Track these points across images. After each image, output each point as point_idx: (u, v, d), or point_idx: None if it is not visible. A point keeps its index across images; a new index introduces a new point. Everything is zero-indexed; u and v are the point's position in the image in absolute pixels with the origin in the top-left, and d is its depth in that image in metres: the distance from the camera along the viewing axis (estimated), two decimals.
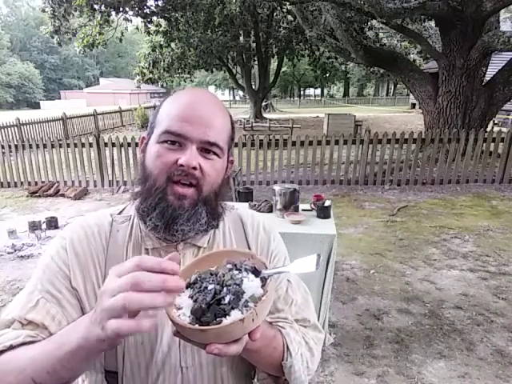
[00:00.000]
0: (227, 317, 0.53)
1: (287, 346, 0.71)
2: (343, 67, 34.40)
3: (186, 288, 0.60)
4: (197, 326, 0.53)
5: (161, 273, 0.48)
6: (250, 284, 0.56)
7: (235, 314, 0.53)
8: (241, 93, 44.23)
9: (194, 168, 0.67)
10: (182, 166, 0.66)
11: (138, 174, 0.74)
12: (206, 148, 0.69)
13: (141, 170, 0.73)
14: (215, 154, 0.70)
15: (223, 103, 0.76)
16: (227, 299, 0.54)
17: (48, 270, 0.70)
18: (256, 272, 0.59)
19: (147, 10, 11.86)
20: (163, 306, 0.47)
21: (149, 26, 12.93)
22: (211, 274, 0.59)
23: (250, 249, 0.81)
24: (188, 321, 0.54)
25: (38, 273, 0.72)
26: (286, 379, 0.73)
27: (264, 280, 0.58)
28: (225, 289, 0.55)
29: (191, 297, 0.57)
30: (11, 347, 0.59)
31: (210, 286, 0.56)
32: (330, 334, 2.69)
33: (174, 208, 0.68)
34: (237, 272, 0.58)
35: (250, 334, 0.55)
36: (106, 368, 0.72)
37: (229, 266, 0.60)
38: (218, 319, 0.53)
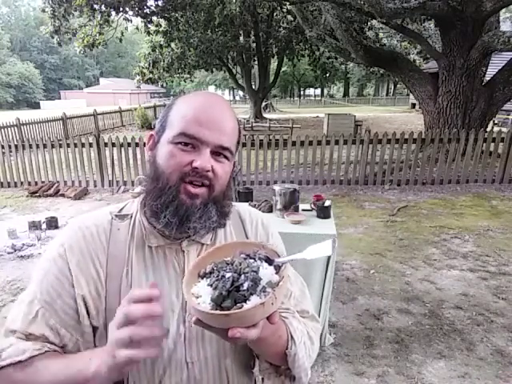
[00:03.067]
0: (247, 302, 0.55)
1: (291, 335, 0.73)
2: (343, 67, 34.48)
3: (202, 278, 0.62)
4: (218, 311, 0.55)
5: (148, 299, 0.58)
6: (266, 271, 0.59)
7: (254, 300, 0.56)
8: (241, 93, 44.25)
9: (208, 171, 0.69)
10: (196, 168, 0.69)
11: (148, 172, 0.75)
12: (218, 151, 0.71)
13: (151, 169, 0.74)
14: (225, 157, 0.73)
15: (232, 107, 0.79)
16: (246, 285, 0.56)
17: (46, 279, 0.72)
18: (269, 260, 0.62)
19: (147, 10, 11.86)
20: (160, 335, 0.58)
21: (149, 25, 12.94)
22: (227, 264, 0.61)
23: None
24: (209, 307, 0.56)
25: (37, 278, 0.73)
26: (289, 368, 0.75)
27: (277, 268, 0.61)
28: (242, 276, 0.58)
29: (210, 285, 0.59)
30: (20, 362, 0.66)
31: (228, 274, 0.58)
32: (330, 334, 2.69)
33: (186, 206, 0.70)
34: (252, 261, 0.61)
35: (269, 317, 0.58)
36: None
37: (243, 256, 0.63)
38: (238, 304, 0.55)
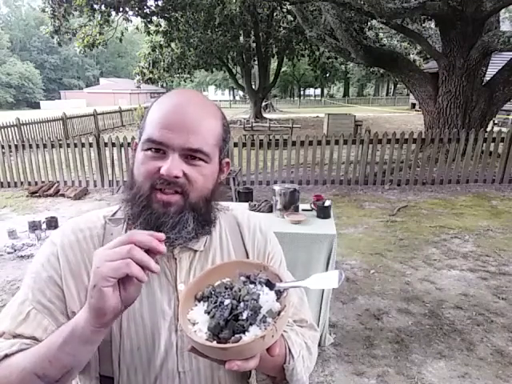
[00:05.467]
0: (246, 333, 0.52)
1: (289, 349, 0.71)
2: (343, 67, 34.44)
3: (199, 301, 0.59)
4: (215, 343, 0.52)
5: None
6: (266, 298, 0.56)
7: (254, 330, 0.52)
8: (241, 93, 44.23)
9: (176, 177, 0.65)
10: (162, 175, 0.65)
11: (127, 179, 0.73)
12: (191, 154, 0.67)
13: (128, 176, 0.72)
14: (201, 159, 0.68)
15: (214, 103, 0.74)
16: (245, 315, 0.53)
17: (39, 278, 0.70)
18: (270, 284, 0.58)
19: (147, 10, 11.86)
20: (155, 270, 0.55)
21: (149, 26, 12.93)
22: (226, 288, 0.58)
23: (246, 251, 0.81)
24: (205, 337, 0.53)
25: (28, 281, 0.71)
26: (286, 379, 0.73)
27: (279, 293, 0.58)
28: (242, 304, 0.54)
29: (207, 312, 0.56)
30: (6, 356, 0.61)
31: (227, 301, 0.55)
32: (330, 334, 2.69)
33: (157, 215, 0.66)
34: (252, 286, 0.58)
35: (269, 349, 0.55)
36: (100, 373, 0.71)
37: (242, 278, 0.59)
38: (236, 335, 0.52)
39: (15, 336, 0.66)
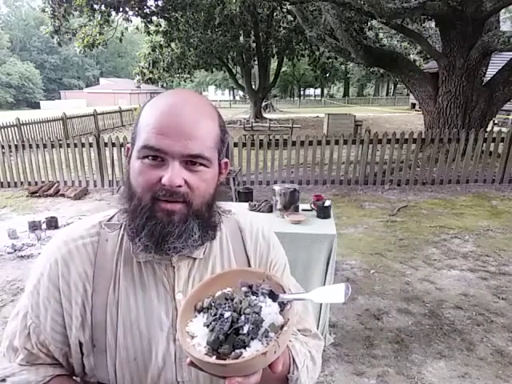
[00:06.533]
0: (247, 348, 0.50)
1: (293, 359, 0.70)
2: (343, 67, 34.46)
3: (199, 312, 0.57)
4: (214, 358, 0.50)
5: None
6: (269, 310, 0.53)
7: (255, 345, 0.50)
8: (241, 93, 44.22)
9: (179, 186, 0.62)
10: (164, 185, 0.62)
11: (124, 188, 0.70)
12: (191, 160, 0.64)
13: (126, 186, 0.68)
14: (202, 164, 0.65)
15: (209, 103, 0.70)
16: (246, 329, 0.51)
17: (35, 294, 0.71)
18: (273, 296, 0.56)
19: (147, 10, 11.86)
20: None
21: (149, 26, 12.93)
22: (226, 299, 0.56)
23: (248, 258, 0.79)
24: (204, 351, 0.51)
25: (28, 291, 0.72)
26: None
27: (282, 305, 0.55)
28: (243, 317, 0.52)
29: (207, 325, 0.53)
30: None
31: (227, 314, 0.53)
32: (330, 334, 2.69)
33: (163, 225, 0.64)
34: (254, 297, 0.55)
35: (272, 365, 0.53)
36: (98, 380, 0.71)
37: (244, 289, 0.57)
38: (236, 351, 0.50)
39: (27, 351, 0.70)
